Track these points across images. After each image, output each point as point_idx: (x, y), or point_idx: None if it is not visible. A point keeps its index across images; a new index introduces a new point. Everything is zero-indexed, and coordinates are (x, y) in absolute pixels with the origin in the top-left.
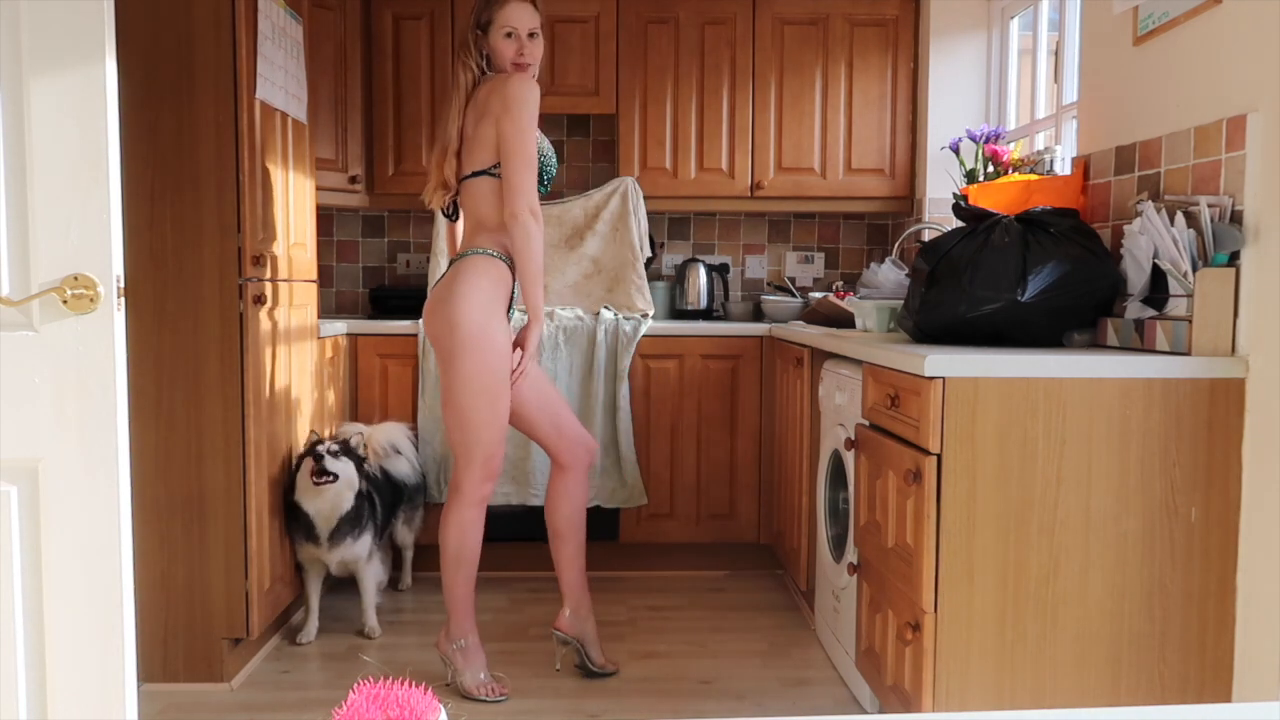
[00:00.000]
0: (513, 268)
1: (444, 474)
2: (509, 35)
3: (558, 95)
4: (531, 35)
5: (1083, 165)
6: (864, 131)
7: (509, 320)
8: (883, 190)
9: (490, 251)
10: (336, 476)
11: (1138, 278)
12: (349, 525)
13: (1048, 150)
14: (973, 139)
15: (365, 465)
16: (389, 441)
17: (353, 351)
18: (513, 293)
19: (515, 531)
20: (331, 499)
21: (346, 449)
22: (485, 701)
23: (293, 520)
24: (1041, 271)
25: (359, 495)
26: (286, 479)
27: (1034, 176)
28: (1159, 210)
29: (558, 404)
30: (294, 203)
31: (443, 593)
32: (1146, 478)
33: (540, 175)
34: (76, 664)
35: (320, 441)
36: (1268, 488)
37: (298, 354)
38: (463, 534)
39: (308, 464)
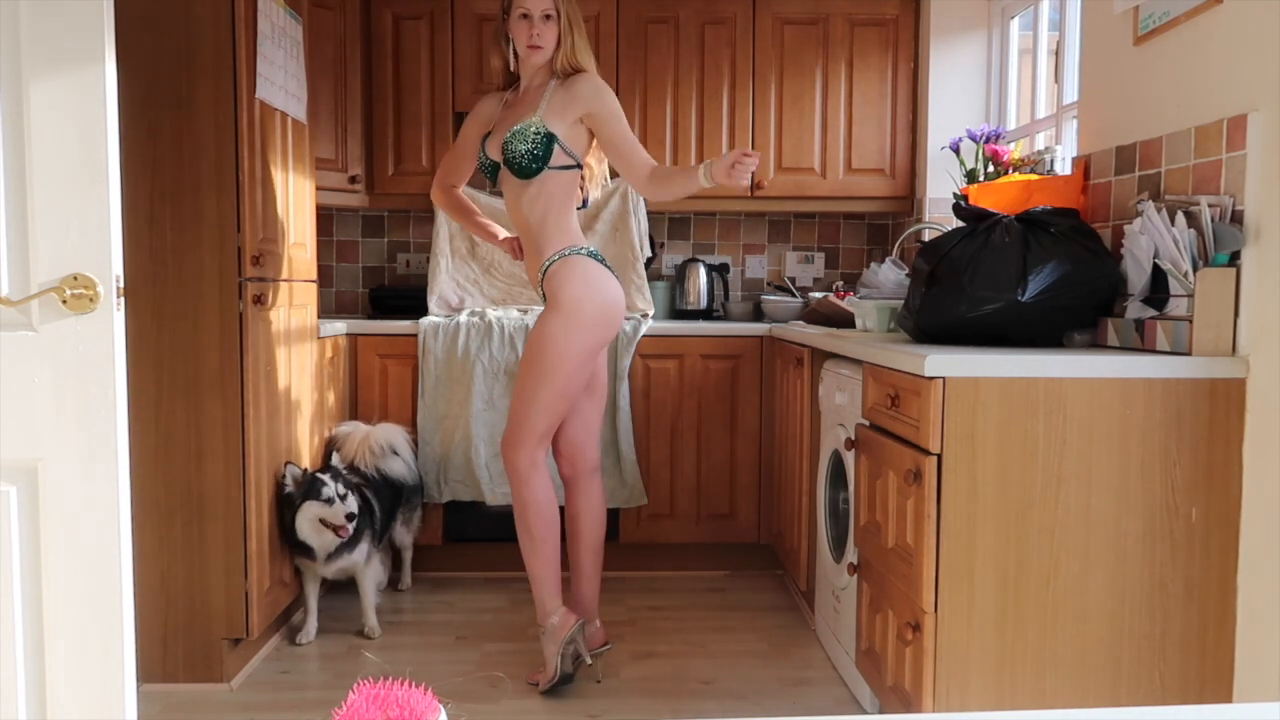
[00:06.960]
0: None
1: (443, 475)
2: (524, 17)
3: None
4: (547, 17)
5: (1083, 165)
6: (864, 131)
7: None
8: (883, 190)
9: None
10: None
11: (1138, 278)
12: (344, 546)
13: (1048, 150)
14: (973, 139)
15: (358, 473)
16: (386, 441)
17: (352, 351)
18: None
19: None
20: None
21: (343, 480)
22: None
23: (288, 538)
24: (1042, 271)
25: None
26: (283, 504)
27: (1034, 176)
28: (1159, 210)
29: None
30: (294, 203)
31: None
32: (1147, 478)
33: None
34: (76, 664)
35: (320, 481)
36: (1268, 488)
37: (297, 354)
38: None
39: (314, 511)
